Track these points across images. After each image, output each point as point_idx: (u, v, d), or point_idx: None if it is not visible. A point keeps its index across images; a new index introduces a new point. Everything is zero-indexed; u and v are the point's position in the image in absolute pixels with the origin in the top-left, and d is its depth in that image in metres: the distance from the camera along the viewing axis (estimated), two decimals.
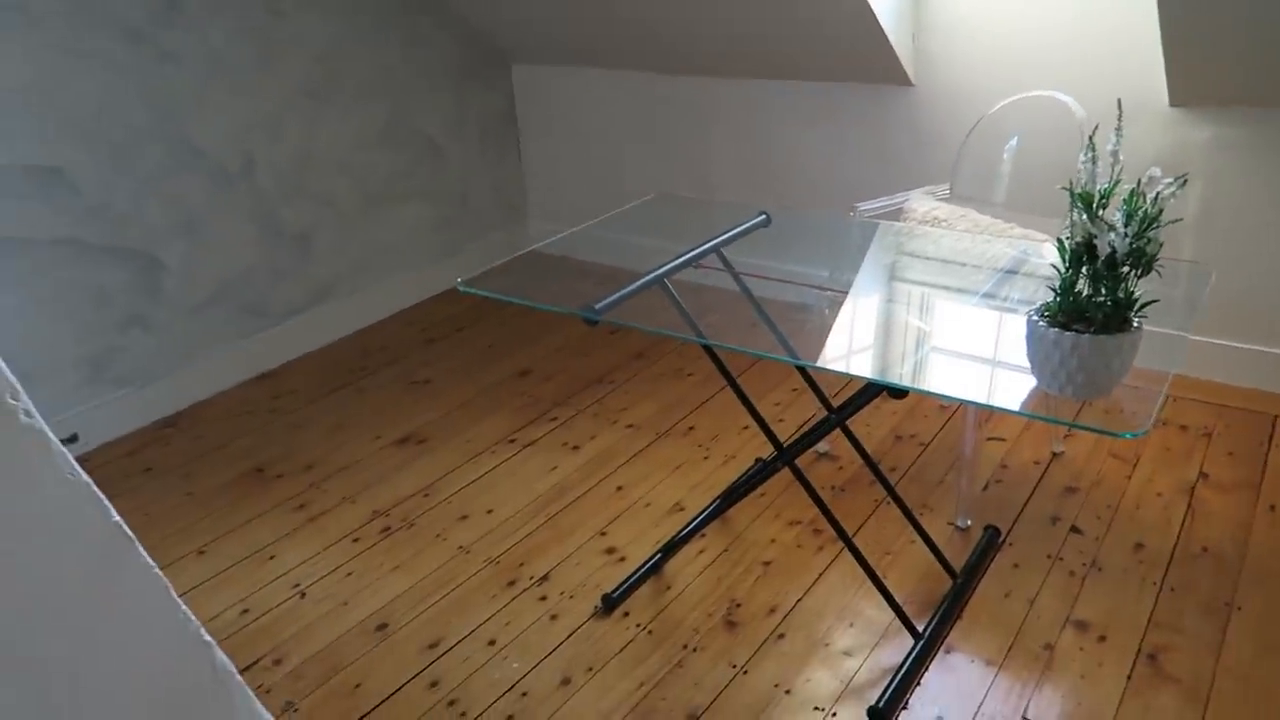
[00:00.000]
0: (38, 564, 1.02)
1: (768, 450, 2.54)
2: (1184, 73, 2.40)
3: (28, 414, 0.98)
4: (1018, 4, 2.64)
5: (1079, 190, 1.33)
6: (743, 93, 3.27)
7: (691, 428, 2.69)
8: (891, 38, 2.71)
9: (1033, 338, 1.34)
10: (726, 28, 2.96)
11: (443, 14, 3.46)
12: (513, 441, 2.67)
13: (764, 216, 2.17)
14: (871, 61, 2.84)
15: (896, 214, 2.47)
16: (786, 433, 2.60)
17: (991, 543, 2.14)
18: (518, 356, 3.17)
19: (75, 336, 2.67)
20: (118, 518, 1.07)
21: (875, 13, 2.60)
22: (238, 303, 3.05)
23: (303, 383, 3.08)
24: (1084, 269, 1.34)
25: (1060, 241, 1.34)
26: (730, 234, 2.07)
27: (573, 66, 3.63)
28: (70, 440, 2.70)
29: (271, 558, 2.24)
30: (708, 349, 1.78)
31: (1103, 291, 1.33)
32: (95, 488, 1.02)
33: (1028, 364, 1.38)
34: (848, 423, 2.01)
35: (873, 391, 1.76)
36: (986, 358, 1.68)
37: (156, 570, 1.13)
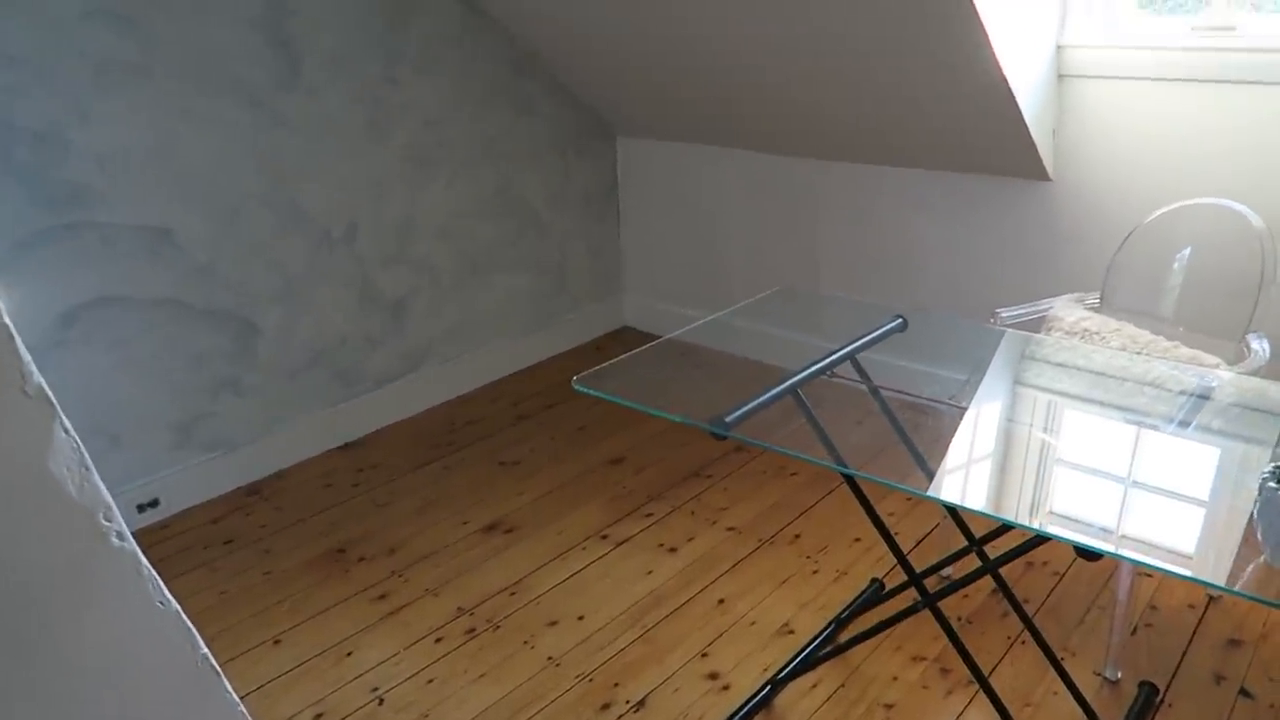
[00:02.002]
0: (125, 694, 0.92)
1: (883, 566, 2.34)
2: None
3: (120, 536, 0.89)
4: (1173, 103, 2.45)
5: None
6: (856, 178, 3.12)
7: (798, 535, 2.50)
8: (1032, 129, 2.54)
9: (1270, 509, 1.14)
10: (849, 111, 2.83)
11: (551, 83, 3.41)
12: (605, 537, 2.51)
13: (900, 320, 2.01)
14: (1007, 153, 2.67)
15: (1038, 323, 2.27)
16: (905, 547, 2.39)
17: (1149, 702, 1.89)
18: (610, 441, 3.02)
19: (168, 399, 2.61)
20: (205, 649, 0.96)
21: (1019, 104, 2.44)
22: (329, 369, 2.97)
23: (388, 455, 2.97)
24: None
25: None
26: (866, 339, 1.91)
27: (679, 142, 3.53)
28: (151, 505, 2.62)
29: (349, 654, 2.10)
30: (848, 478, 1.61)
31: None
32: (184, 617, 0.93)
33: (1260, 536, 1.17)
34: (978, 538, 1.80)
35: (1037, 540, 1.55)
36: (1191, 510, 1.47)
37: (241, 709, 1.01)
